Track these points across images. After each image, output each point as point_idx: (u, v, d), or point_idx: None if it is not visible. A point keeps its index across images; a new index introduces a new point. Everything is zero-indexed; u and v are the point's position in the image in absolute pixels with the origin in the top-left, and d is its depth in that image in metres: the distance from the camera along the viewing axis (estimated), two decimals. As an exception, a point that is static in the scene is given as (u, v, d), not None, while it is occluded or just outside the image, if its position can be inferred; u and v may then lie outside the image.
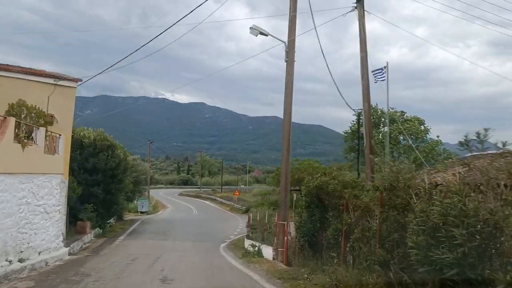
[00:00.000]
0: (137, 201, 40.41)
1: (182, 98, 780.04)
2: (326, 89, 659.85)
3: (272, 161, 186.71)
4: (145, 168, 35.11)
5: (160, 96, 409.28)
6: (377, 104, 65.41)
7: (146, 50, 16.19)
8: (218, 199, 62.52)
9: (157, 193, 70.63)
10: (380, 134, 63.28)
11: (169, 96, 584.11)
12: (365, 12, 14.35)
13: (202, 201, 65.50)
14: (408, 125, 61.78)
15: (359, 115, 18.24)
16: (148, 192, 54.20)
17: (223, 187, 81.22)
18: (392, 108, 64.63)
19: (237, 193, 51.66)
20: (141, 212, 39.90)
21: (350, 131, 66.22)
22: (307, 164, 42.55)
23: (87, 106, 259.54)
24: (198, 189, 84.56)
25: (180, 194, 78.24)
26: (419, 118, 63.76)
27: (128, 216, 35.55)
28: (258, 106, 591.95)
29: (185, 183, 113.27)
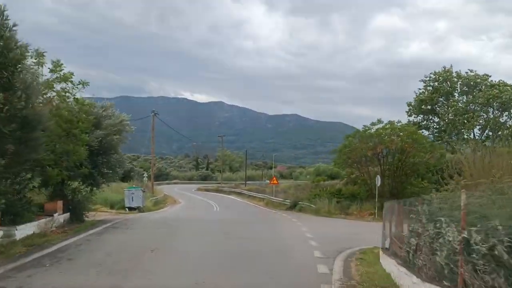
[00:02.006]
0: (130, 187, 23.87)
1: (201, 97, 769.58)
2: (344, 85, 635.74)
3: (292, 159, 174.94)
4: (120, 121, 16.87)
5: (179, 96, 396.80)
6: (451, 66, 47.09)
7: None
8: (245, 192, 46.11)
9: (172, 189, 55.62)
10: (459, 103, 45.60)
11: (188, 95, 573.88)
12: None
13: (225, 195, 49.19)
14: (496, 92, 43.77)
15: None
16: (152, 183, 38.25)
17: (246, 182, 65.22)
18: (471, 71, 47.19)
19: (276, 181, 34.58)
20: (130, 209, 23.42)
21: (416, 101, 48.63)
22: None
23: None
24: (219, 184, 68.57)
25: (198, 189, 62.38)
26: (506, 83, 45.63)
27: (101, 215, 19.23)
28: (277, 105, 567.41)
29: (204, 179, 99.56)
